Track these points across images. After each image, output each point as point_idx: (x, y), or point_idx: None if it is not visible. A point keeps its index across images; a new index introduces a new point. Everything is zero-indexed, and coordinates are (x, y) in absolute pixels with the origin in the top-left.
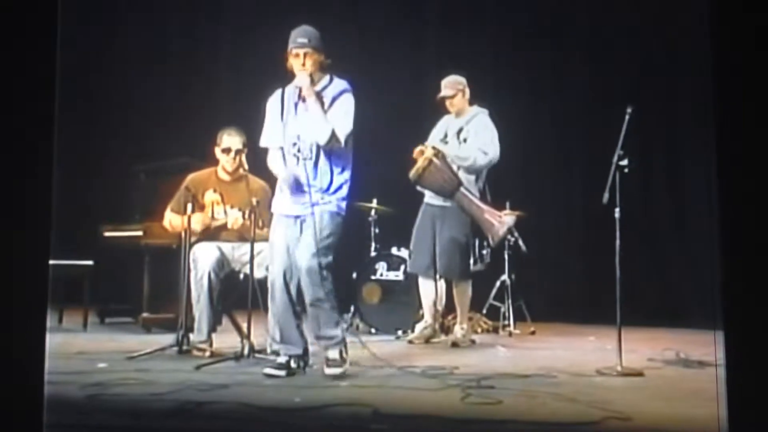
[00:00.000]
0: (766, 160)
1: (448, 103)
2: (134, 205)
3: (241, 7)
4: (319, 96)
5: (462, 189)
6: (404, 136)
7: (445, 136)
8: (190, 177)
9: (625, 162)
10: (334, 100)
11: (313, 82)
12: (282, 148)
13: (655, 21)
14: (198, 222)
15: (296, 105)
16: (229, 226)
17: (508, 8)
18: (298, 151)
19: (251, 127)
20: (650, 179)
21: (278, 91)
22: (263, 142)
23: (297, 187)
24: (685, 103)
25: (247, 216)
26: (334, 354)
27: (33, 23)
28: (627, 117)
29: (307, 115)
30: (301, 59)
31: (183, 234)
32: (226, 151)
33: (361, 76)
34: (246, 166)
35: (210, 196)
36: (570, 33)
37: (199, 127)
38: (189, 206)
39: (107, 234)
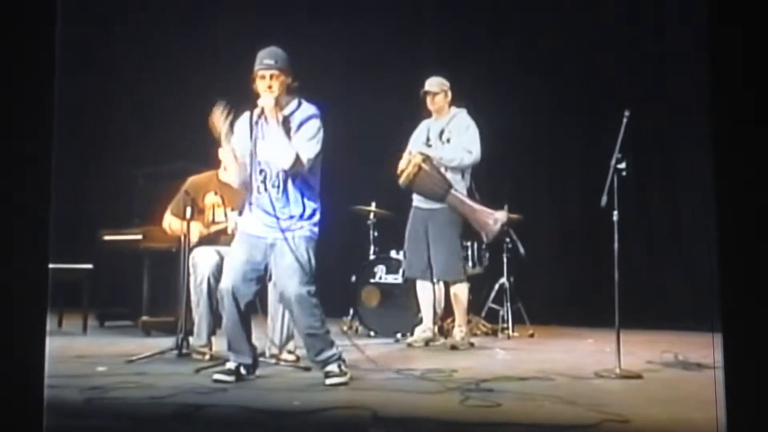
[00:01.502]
0: (764, 163)
1: (429, 100)
2: (133, 209)
3: (240, 13)
4: (286, 120)
5: (452, 191)
6: (403, 139)
7: (428, 139)
8: (190, 180)
9: (623, 165)
10: (300, 125)
11: (278, 106)
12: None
13: (652, 22)
14: (196, 231)
15: (261, 129)
16: (229, 230)
17: (504, 10)
18: (265, 177)
19: None
20: (648, 182)
21: (246, 114)
22: (234, 179)
23: (265, 214)
24: (681, 106)
25: None
26: (332, 368)
27: (31, 26)
28: (625, 120)
29: (270, 139)
30: (267, 81)
31: (182, 239)
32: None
33: (361, 80)
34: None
35: (211, 199)
36: (567, 35)
37: (199, 132)
38: (188, 210)
39: (107, 238)
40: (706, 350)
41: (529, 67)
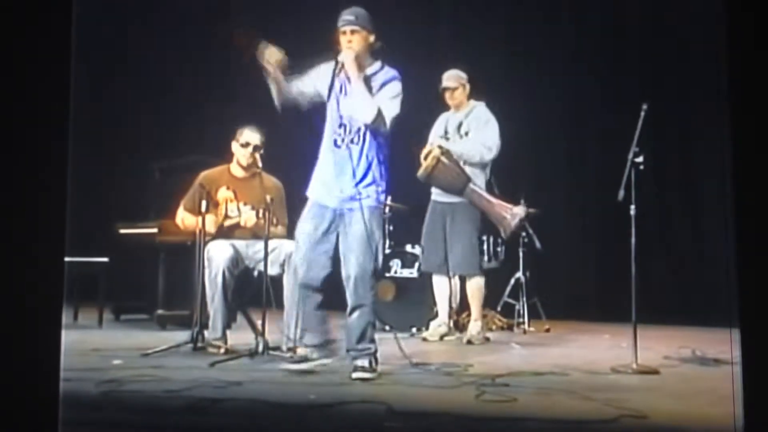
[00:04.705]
0: None
1: (448, 95)
2: (149, 203)
3: (255, 6)
4: (368, 79)
5: (471, 185)
6: (417, 132)
7: (446, 132)
8: (204, 174)
9: (640, 159)
10: (383, 85)
11: (359, 62)
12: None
13: (670, 16)
14: (211, 223)
15: (344, 85)
16: (242, 224)
17: (520, 4)
18: (345, 132)
19: (268, 126)
20: (665, 176)
21: (331, 63)
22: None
23: (338, 173)
24: (700, 99)
25: (261, 214)
26: (363, 363)
27: (48, 21)
28: (642, 114)
29: (353, 94)
30: (347, 36)
31: (197, 232)
32: (245, 145)
33: None
34: (260, 164)
35: (223, 194)
36: (583, 29)
37: (215, 125)
38: (203, 204)
39: (122, 231)
40: (723, 345)
41: (547, 60)
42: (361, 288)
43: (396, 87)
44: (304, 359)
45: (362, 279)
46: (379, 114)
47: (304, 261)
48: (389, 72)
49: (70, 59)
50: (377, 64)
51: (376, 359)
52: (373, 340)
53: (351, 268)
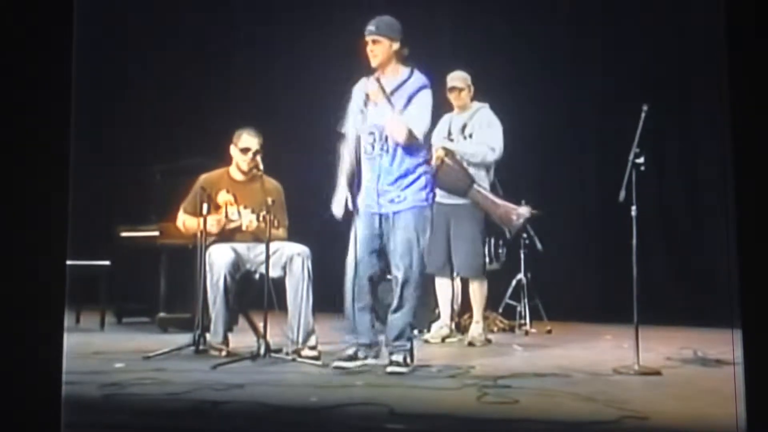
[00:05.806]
0: None
1: (455, 95)
2: (150, 206)
3: (255, 8)
4: (394, 92)
5: (475, 186)
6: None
7: (449, 133)
8: (204, 177)
9: (641, 160)
10: (411, 97)
11: (383, 71)
12: (359, 138)
13: (671, 17)
14: (213, 224)
15: (373, 95)
16: (243, 228)
17: (521, 5)
18: (374, 139)
19: (267, 128)
20: (666, 177)
21: (362, 80)
22: (341, 127)
23: (375, 178)
24: (700, 100)
25: (261, 217)
26: (398, 358)
27: (49, 23)
28: (643, 114)
29: (382, 115)
30: (370, 46)
31: (199, 235)
32: (244, 150)
33: None
34: (261, 167)
35: (223, 197)
36: (584, 30)
37: (216, 128)
38: (204, 206)
39: (124, 234)
40: (725, 346)
41: (548, 61)
42: (406, 290)
43: (425, 97)
44: (354, 357)
45: (407, 281)
46: (410, 133)
47: (351, 267)
48: (417, 81)
49: (71, 62)
50: (405, 72)
51: (411, 355)
52: (410, 338)
53: (397, 271)
